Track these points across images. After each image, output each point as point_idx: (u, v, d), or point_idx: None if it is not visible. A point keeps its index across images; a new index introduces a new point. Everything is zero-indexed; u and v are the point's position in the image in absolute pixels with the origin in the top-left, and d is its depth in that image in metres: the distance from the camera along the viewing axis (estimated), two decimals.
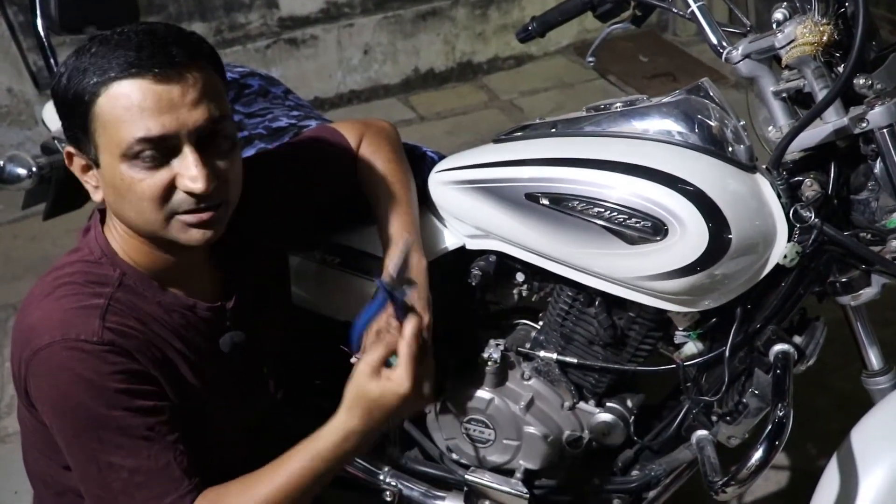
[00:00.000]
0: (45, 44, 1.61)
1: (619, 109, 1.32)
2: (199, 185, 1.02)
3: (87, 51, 1.02)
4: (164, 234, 1.08)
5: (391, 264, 1.09)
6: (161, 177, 1.03)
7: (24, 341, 1.07)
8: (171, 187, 1.04)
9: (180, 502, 1.08)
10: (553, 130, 1.36)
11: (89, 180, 1.09)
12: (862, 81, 1.15)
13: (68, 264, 1.13)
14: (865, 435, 1.29)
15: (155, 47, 1.01)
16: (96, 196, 1.10)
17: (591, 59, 1.49)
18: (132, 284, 1.11)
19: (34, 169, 1.44)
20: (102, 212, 1.16)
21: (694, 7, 1.26)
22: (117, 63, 0.99)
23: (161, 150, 1.02)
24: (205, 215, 1.07)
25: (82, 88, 1.01)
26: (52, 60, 1.64)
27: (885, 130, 1.13)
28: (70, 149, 1.08)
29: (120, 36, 1.02)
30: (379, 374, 1.04)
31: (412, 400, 1.04)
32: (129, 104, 0.99)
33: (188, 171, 1.03)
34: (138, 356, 1.08)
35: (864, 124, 1.14)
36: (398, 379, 1.03)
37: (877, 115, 1.13)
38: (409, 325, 1.03)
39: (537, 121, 1.41)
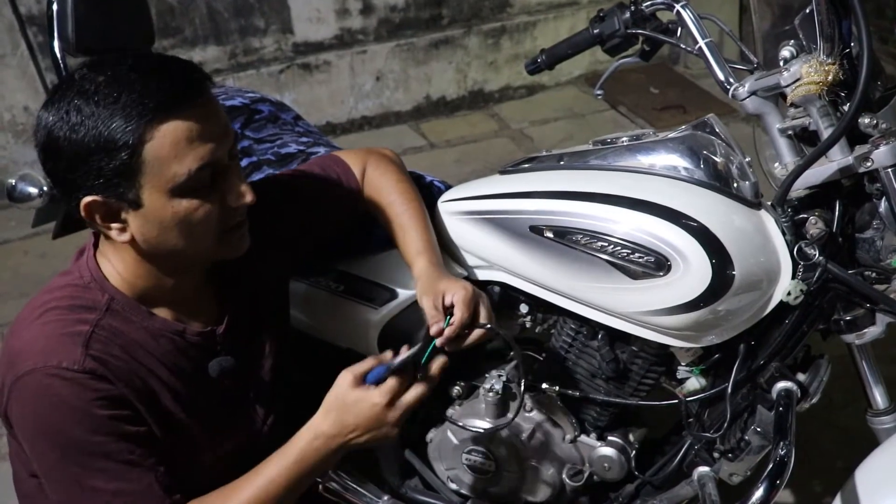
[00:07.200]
0: (62, 65, 1.63)
1: (625, 144, 1.32)
2: (249, 197, 1.08)
3: (107, 95, 0.97)
4: (213, 254, 1.12)
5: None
6: (213, 199, 1.06)
7: (8, 365, 1.07)
8: (223, 207, 1.07)
9: None
10: (559, 163, 1.37)
11: (114, 224, 1.05)
12: (867, 120, 1.15)
13: (57, 288, 1.13)
14: (870, 474, 1.27)
15: (180, 79, 1.01)
16: (122, 237, 1.06)
17: (598, 92, 1.50)
18: (119, 310, 1.11)
19: (45, 188, 1.46)
20: (97, 235, 1.15)
21: (702, 43, 1.27)
22: (155, 103, 0.97)
23: (210, 175, 1.04)
24: (245, 225, 1.13)
25: (119, 135, 0.97)
26: None
27: (889, 170, 1.13)
28: (94, 198, 1.02)
29: (136, 73, 0.99)
30: (360, 384, 1.12)
31: (382, 419, 1.10)
32: (178, 140, 0.99)
33: (236, 187, 1.07)
34: (119, 384, 1.08)
35: (868, 163, 1.14)
36: (378, 393, 1.10)
37: (881, 155, 1.13)
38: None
39: (543, 153, 1.41)
